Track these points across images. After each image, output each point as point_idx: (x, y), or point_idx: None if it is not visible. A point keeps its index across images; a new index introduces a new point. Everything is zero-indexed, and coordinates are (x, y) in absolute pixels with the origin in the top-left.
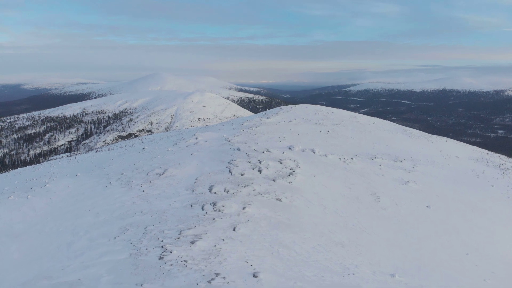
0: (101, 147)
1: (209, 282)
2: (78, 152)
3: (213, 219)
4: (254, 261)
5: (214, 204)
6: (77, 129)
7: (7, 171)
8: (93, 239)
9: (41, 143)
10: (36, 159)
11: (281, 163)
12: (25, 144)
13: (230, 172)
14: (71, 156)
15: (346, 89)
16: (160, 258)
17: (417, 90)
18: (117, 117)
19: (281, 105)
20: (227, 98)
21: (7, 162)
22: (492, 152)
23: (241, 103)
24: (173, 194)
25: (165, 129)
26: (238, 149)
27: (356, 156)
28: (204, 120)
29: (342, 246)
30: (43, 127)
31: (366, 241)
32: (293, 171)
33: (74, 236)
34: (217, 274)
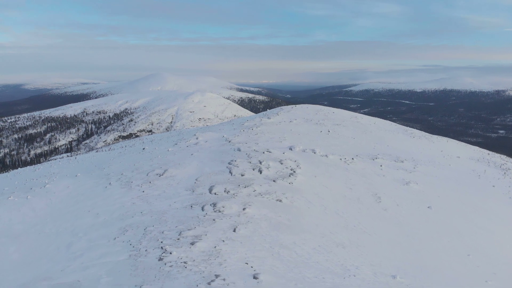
0: (101, 147)
1: (209, 283)
2: (79, 152)
3: (213, 220)
4: (254, 263)
5: (214, 204)
6: (78, 129)
7: (8, 171)
8: (92, 240)
9: (42, 143)
10: (36, 159)
11: (281, 164)
12: (25, 144)
13: (230, 172)
14: (71, 156)
15: (347, 89)
16: (160, 259)
17: (418, 90)
18: (117, 117)
19: (282, 105)
20: (228, 98)
21: (8, 162)
22: (493, 152)
23: (242, 103)
24: (173, 194)
25: (166, 129)
26: (239, 150)
27: (357, 157)
28: (205, 120)
29: (343, 247)
30: (43, 127)
31: (367, 242)
32: (294, 172)
33: (73, 237)
34: (217, 276)
